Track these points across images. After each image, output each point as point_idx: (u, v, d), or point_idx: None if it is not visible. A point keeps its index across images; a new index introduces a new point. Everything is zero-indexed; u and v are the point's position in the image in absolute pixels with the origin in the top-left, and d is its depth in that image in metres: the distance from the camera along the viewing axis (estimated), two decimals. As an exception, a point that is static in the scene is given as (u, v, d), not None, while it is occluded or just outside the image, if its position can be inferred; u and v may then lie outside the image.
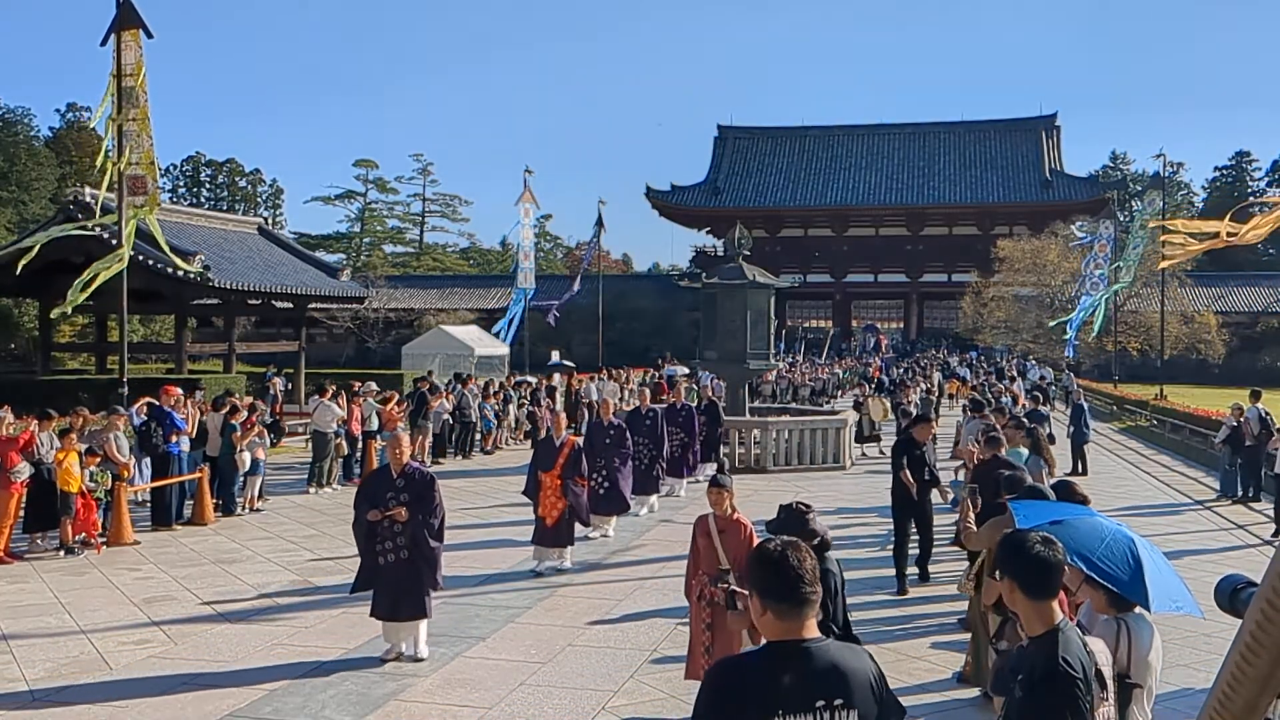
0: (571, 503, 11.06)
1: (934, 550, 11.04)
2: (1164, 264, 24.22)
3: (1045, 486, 6.85)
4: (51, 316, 26.20)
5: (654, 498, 15.05)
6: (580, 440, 11.62)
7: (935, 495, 10.92)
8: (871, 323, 71.69)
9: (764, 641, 2.86)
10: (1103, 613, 4.14)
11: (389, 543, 7.92)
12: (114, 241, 17.05)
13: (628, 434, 13.58)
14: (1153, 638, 4.01)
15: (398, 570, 7.89)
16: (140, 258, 22.55)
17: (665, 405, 16.73)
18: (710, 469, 17.23)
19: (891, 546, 10.83)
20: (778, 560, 2.84)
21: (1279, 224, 12.48)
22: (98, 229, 20.89)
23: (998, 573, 3.41)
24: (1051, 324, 40.27)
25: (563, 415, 12.06)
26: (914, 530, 10.68)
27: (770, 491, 16.75)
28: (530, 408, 24.52)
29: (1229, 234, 13.17)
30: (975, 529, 7.02)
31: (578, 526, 11.51)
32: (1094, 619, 4.15)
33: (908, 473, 10.46)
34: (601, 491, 12.80)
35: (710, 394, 22.03)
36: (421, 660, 7.96)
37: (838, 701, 2.76)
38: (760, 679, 2.76)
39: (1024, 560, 3.22)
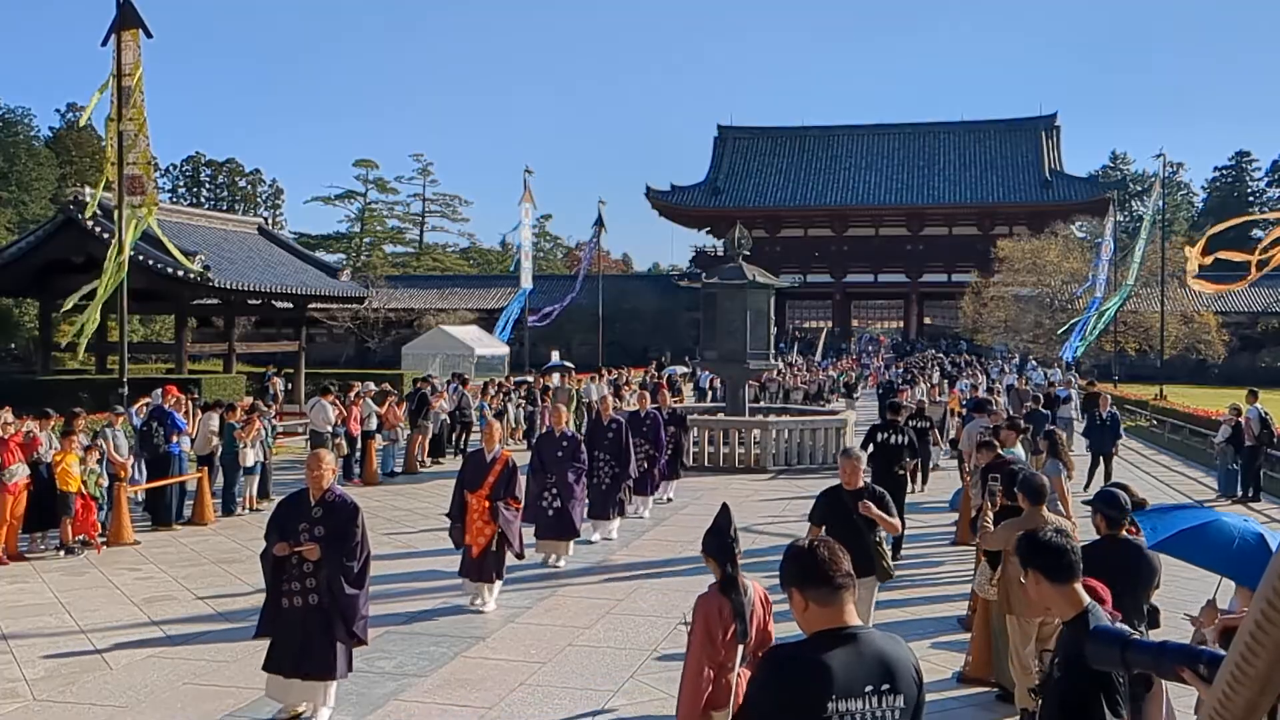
0: (502, 528, 9.47)
1: (935, 550, 11.04)
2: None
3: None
4: (67, 339, 25.87)
5: (616, 522, 12.99)
6: (513, 457, 9.97)
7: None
8: (870, 333, 71.71)
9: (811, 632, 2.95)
10: None
11: (296, 584, 6.64)
12: (113, 241, 17.05)
13: (582, 447, 11.79)
14: None
15: (304, 618, 6.63)
16: (140, 258, 22.55)
17: (629, 414, 14.80)
18: (673, 488, 15.74)
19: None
20: (809, 552, 3.02)
21: None
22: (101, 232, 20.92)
23: (1023, 573, 3.58)
24: (1095, 333, 39.83)
25: (495, 426, 10.46)
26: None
27: (770, 491, 16.77)
28: (528, 407, 24.53)
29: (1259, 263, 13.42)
30: (992, 528, 6.98)
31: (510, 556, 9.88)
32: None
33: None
34: (551, 513, 11.24)
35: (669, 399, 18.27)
36: None
37: (885, 686, 2.88)
38: (812, 666, 2.85)
39: (1040, 549, 3.45)
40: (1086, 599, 3.40)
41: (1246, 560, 4.41)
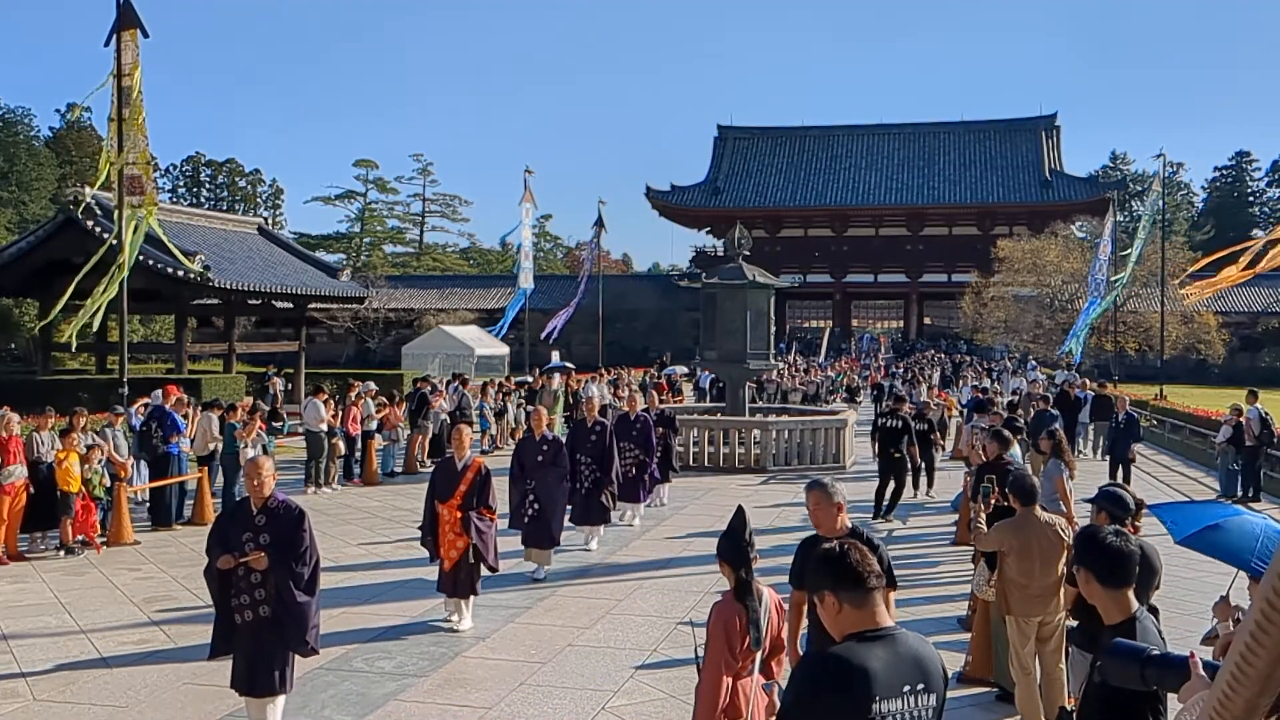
0: (475, 541, 8.88)
1: (933, 551, 11.12)
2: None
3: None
4: (63, 339, 25.52)
5: (601, 529, 12.48)
6: (485, 464, 9.31)
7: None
8: (870, 333, 71.71)
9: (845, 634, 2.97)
10: None
11: (246, 596, 6.38)
12: (114, 241, 17.06)
13: (563, 450, 11.33)
14: None
15: (257, 631, 6.39)
16: (140, 257, 22.53)
17: (618, 416, 14.37)
18: (665, 492, 15.26)
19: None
20: (840, 555, 3.04)
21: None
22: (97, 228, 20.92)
23: (1074, 566, 3.54)
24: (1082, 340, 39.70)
25: (465, 432, 9.54)
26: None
27: (769, 491, 16.77)
28: (528, 408, 24.48)
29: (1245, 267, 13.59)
30: (985, 529, 6.96)
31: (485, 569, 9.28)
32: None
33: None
34: (527, 519, 10.84)
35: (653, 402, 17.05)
36: None
37: (920, 686, 2.90)
38: (855, 667, 2.86)
39: (1098, 551, 3.40)
40: (1135, 605, 3.34)
41: (1268, 559, 4.46)
